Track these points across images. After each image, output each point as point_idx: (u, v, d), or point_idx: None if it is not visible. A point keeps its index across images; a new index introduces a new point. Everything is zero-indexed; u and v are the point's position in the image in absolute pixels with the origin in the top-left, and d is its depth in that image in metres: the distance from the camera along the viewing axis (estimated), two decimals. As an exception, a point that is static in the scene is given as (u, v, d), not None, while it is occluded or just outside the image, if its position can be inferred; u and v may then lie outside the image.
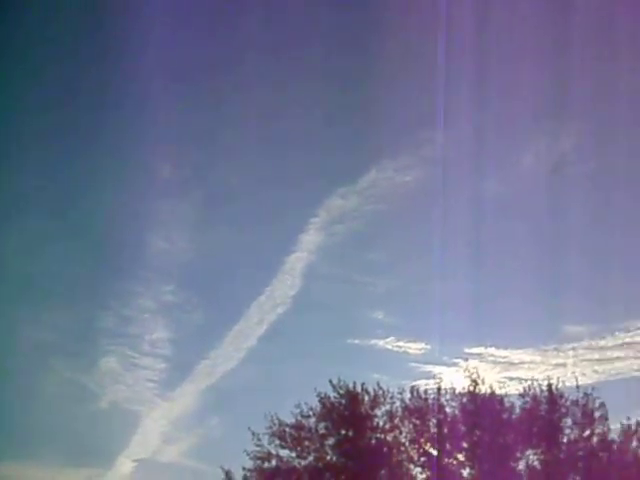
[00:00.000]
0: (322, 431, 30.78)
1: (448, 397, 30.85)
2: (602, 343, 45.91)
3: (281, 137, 45.36)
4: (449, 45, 35.78)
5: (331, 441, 30.80)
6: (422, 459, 30.60)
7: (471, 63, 38.56)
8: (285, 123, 45.32)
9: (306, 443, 30.63)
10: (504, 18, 40.19)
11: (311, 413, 30.67)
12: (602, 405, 30.33)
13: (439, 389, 30.96)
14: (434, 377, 32.19)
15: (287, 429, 30.55)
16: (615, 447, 30.17)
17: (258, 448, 30.54)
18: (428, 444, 30.61)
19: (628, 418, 30.33)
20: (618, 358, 46.14)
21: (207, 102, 45.82)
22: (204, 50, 44.45)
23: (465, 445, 30.59)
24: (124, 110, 43.98)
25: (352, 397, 30.70)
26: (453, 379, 31.57)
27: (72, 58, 43.50)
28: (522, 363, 42.02)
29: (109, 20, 40.25)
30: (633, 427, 30.18)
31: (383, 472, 30.58)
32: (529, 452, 30.42)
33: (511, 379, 33.41)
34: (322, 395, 30.57)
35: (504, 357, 41.66)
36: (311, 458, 30.64)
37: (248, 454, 30.51)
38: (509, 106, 44.58)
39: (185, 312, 49.23)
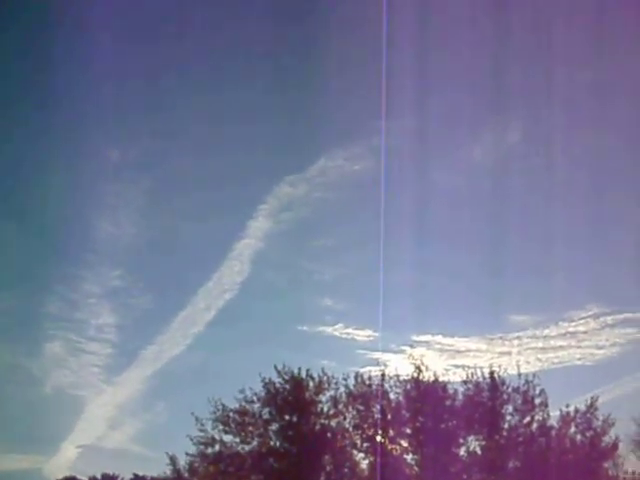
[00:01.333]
0: (266, 416, 30.77)
1: (392, 384, 31.07)
2: (546, 332, 46.65)
3: (232, 127, 45.24)
4: (395, 39, 35.96)
5: (275, 426, 30.81)
6: (365, 445, 30.79)
7: (416, 58, 38.89)
8: (237, 114, 45.23)
9: (250, 428, 30.57)
10: (448, 13, 40.57)
11: (255, 398, 30.65)
12: (542, 392, 30.88)
13: (383, 375, 31.17)
14: (381, 364, 32.44)
15: (231, 414, 30.47)
16: (554, 433, 30.75)
17: (202, 433, 30.42)
18: (372, 430, 30.79)
19: (567, 405, 30.96)
20: (561, 347, 46.94)
21: (159, 94, 45.48)
22: (156, 48, 44.15)
23: (408, 431, 30.86)
24: (73, 95, 43.41)
25: (296, 383, 30.74)
26: (399, 366, 31.83)
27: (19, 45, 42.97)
28: (468, 351, 42.48)
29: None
30: (572, 414, 30.74)
31: (327, 457, 30.72)
32: (471, 438, 30.84)
33: (457, 367, 33.78)
34: (266, 381, 30.56)
35: (450, 345, 42.07)
36: (255, 443, 30.61)
37: (192, 439, 30.39)
38: (458, 100, 45.09)
39: (132, 297, 48.90)
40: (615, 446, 30.83)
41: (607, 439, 30.69)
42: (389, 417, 30.90)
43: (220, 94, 44.52)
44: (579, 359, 46.90)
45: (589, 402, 30.87)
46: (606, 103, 45.30)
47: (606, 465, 31.16)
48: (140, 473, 45.62)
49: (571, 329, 46.81)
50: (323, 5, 41.86)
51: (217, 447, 30.50)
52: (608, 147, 45.60)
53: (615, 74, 44.14)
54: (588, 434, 30.60)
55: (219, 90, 44.64)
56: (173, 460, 32.11)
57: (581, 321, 47.11)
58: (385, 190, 36.09)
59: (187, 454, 31.04)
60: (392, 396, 31.05)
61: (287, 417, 30.75)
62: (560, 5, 39.35)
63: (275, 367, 30.74)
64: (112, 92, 42.89)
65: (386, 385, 31.08)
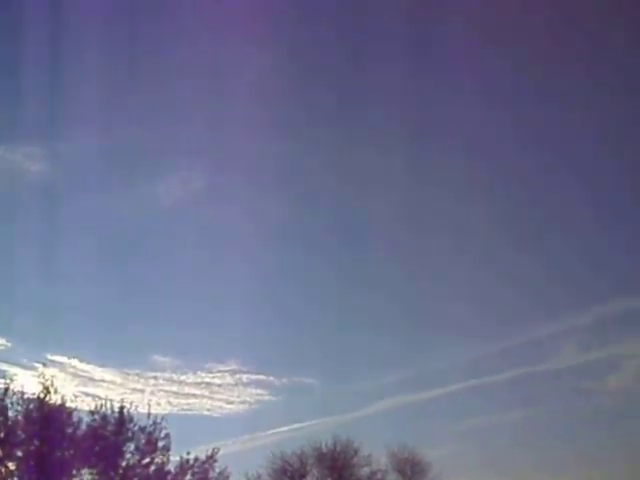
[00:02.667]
0: None
1: (15, 400, 28.84)
2: (183, 377, 47.02)
3: None
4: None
5: None
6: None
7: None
8: None
9: None
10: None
11: None
12: (167, 436, 30.63)
13: (7, 390, 28.82)
14: (7, 377, 30.00)
15: None
16: (169, 478, 30.49)
17: None
18: (-20, 446, 28.18)
19: (188, 452, 30.99)
20: (194, 395, 47.50)
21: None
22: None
23: (20, 454, 28.70)
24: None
25: None
26: (27, 383, 29.72)
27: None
28: (102, 381, 41.34)
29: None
30: (191, 462, 30.78)
31: None
32: (85, 470, 29.49)
33: (88, 395, 32.58)
34: None
35: (85, 371, 40.64)
36: None
37: None
38: (151, 135, 44.91)
39: None
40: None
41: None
42: (1, 435, 28.54)
43: None
44: (208, 410, 47.74)
45: (210, 453, 31.19)
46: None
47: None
48: None
49: (207, 379, 47.61)
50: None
51: None
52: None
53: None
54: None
55: None
56: None
57: (218, 374, 48.15)
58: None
59: None
60: (11, 413, 28.82)
61: None
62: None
63: None
64: None
65: (7, 400, 28.79)
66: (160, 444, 30.49)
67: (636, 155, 56.83)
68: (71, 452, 29.13)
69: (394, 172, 51.62)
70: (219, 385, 48.29)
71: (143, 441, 30.24)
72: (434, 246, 54.12)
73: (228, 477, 31.27)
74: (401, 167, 51.14)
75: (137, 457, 30.10)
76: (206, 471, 30.83)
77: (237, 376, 48.09)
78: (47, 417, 28.92)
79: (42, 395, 29.01)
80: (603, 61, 49.27)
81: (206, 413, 46.77)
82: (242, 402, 48.87)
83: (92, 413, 29.91)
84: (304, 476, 41.14)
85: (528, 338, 75.16)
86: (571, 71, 49.66)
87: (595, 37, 47.98)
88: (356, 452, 41.24)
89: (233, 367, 47.94)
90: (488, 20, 45.95)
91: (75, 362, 37.59)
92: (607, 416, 72.64)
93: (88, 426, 29.75)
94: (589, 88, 50.50)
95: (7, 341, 38.40)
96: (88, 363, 38.54)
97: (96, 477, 29.45)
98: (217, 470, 31.05)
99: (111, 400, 30.47)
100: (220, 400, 47.89)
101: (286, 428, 47.83)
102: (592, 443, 67.56)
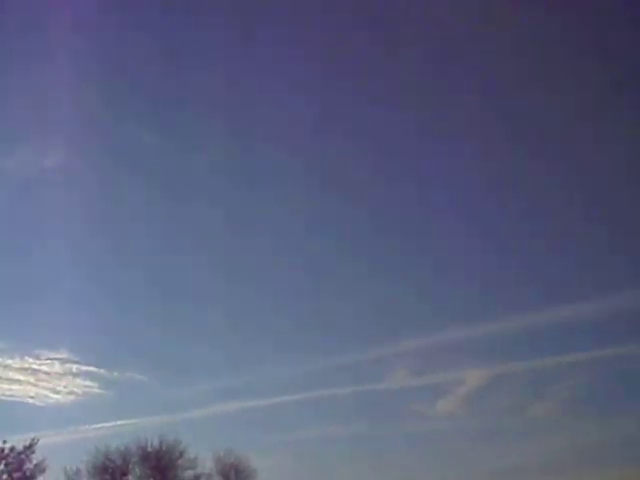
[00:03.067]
0: None
1: None
2: (9, 362, 44.79)
3: None
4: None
5: None
6: None
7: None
8: None
9: None
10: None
11: None
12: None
13: None
14: None
15: None
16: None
17: None
18: None
19: (4, 441, 29.43)
20: (18, 381, 45.34)
21: None
22: None
23: None
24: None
25: None
26: None
27: None
28: None
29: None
30: (6, 451, 29.28)
31: None
32: None
33: None
34: None
35: None
36: None
37: None
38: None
39: None
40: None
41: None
42: None
43: None
44: (32, 397, 45.72)
45: (28, 443, 29.81)
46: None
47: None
48: None
49: (35, 366, 45.59)
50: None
51: None
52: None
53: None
54: (16, 475, 29.33)
55: None
56: None
57: (47, 361, 46.23)
58: None
59: None
60: None
61: None
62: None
63: None
64: None
65: None
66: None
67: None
68: None
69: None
70: (47, 373, 46.42)
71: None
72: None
73: (44, 470, 29.90)
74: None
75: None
76: (22, 462, 29.44)
77: (67, 365, 46.37)
78: None
79: None
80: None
81: (30, 401, 44.76)
82: (69, 392, 47.17)
83: None
84: (126, 474, 39.79)
85: (366, 357, 76.66)
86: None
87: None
88: (182, 454, 40.46)
89: (64, 355, 46.21)
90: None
91: None
92: (436, 438, 75.15)
93: None
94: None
95: None
96: None
97: None
98: (34, 462, 29.66)
99: None
100: (46, 388, 46.03)
101: (112, 423, 46.76)
102: (421, 464, 69.59)
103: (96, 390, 48.64)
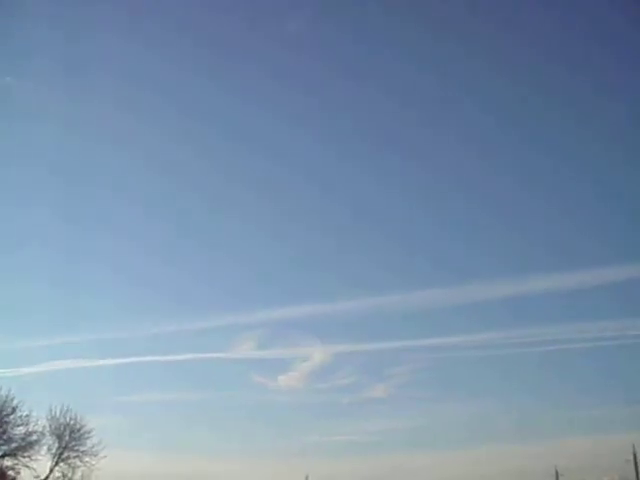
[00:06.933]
0: None
1: None
2: None
3: None
4: None
5: None
6: None
7: None
8: None
9: None
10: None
11: None
12: None
13: None
14: None
15: None
16: None
17: None
18: None
19: None
20: None
21: None
22: None
23: None
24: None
25: None
26: None
27: None
28: None
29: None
30: None
31: None
32: None
33: None
34: None
35: None
36: None
37: None
38: None
39: None
40: None
41: None
42: None
43: None
44: None
45: None
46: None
47: None
48: None
49: None
50: None
51: None
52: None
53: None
54: None
55: None
56: None
57: None
58: None
59: None
60: None
61: None
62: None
63: None
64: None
65: None
66: None
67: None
68: None
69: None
70: None
71: None
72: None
73: None
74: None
75: None
76: None
77: None
78: None
79: None
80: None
81: None
82: None
83: None
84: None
85: (213, 325, 74.32)
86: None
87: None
88: (14, 410, 40.83)
89: None
90: None
91: None
92: (275, 410, 73.61)
93: None
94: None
95: None
96: None
97: None
98: None
99: None
100: None
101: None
102: (259, 433, 68.42)
103: None
